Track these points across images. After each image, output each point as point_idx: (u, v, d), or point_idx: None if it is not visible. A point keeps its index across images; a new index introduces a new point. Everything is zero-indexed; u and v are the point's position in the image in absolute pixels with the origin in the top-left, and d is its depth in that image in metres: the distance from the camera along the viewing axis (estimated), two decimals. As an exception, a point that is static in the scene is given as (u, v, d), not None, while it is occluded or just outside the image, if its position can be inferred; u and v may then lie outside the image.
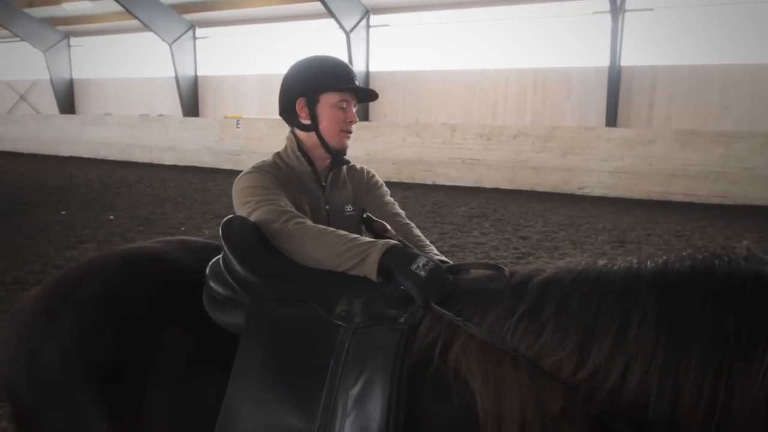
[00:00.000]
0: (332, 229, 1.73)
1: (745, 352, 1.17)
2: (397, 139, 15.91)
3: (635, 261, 1.36)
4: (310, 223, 1.76)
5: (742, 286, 1.23)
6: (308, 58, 2.04)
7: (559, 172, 14.02)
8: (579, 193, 13.70)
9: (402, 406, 1.36)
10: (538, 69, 15.28)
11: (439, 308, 1.42)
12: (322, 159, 2.05)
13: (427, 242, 2.02)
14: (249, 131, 17.76)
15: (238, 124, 18.46)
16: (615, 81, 13.97)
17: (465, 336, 1.36)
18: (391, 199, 2.17)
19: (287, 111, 2.04)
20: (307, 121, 2.00)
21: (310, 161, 2.03)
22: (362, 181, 2.16)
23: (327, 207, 2.04)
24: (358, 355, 1.43)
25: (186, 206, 11.16)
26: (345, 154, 2.08)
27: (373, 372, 1.39)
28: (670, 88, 13.82)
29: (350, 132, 2.01)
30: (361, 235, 1.94)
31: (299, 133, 2.04)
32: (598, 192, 13.51)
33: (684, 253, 1.34)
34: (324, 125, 1.98)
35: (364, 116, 17.21)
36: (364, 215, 2.04)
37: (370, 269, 1.54)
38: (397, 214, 2.10)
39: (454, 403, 1.33)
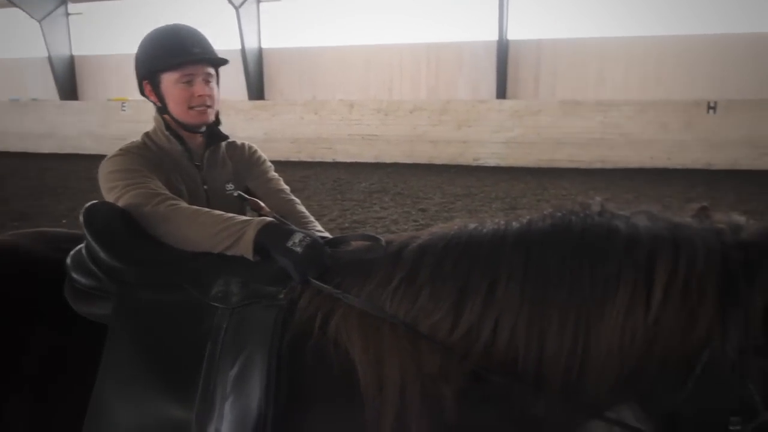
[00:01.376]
0: (207, 209, 1.66)
1: (600, 299, 1.26)
2: (294, 117, 15.66)
3: (502, 222, 1.42)
4: (183, 204, 1.68)
5: (594, 239, 1.31)
6: (147, 34, 1.90)
7: (454, 145, 14.44)
8: (474, 164, 14.21)
9: (283, 382, 1.35)
10: (431, 44, 15.53)
11: (317, 283, 1.41)
12: (192, 137, 1.95)
13: (311, 218, 1.99)
14: (136, 114, 16.71)
15: (123, 106, 17.34)
16: (503, 55, 14.51)
17: (345, 307, 1.37)
18: (276, 175, 2.11)
19: (143, 94, 1.93)
20: (159, 104, 1.90)
21: (181, 140, 1.92)
22: (243, 158, 2.08)
23: (205, 187, 1.95)
24: (236, 335, 1.40)
25: (68, 197, 10.38)
26: (216, 126, 1.99)
27: (251, 351, 1.36)
28: (553, 60, 14.56)
29: (206, 106, 1.89)
30: (246, 214, 1.88)
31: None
32: (492, 162, 14.07)
33: (545, 212, 1.41)
34: (172, 105, 1.87)
35: (260, 95, 16.76)
36: (235, 194, 1.97)
37: (245, 248, 1.50)
38: (282, 191, 2.06)
39: (334, 373, 1.34)
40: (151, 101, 1.92)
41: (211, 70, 1.91)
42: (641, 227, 1.34)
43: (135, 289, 1.51)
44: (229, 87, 16.58)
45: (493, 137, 14.21)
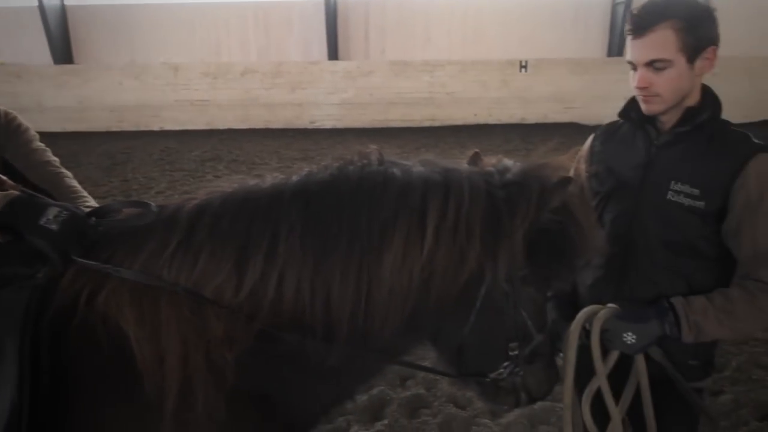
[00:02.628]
0: None
1: (378, 245, 1.30)
2: (112, 83, 14.26)
3: (283, 177, 1.40)
4: None
5: (371, 187, 1.34)
6: None
7: (290, 108, 14.21)
8: (311, 126, 14.13)
9: (44, 369, 1.22)
10: (259, 2, 14.94)
11: (82, 260, 1.28)
12: None
13: (83, 193, 1.81)
14: None
15: None
16: (332, 14, 14.42)
17: (116, 281, 1.26)
18: (41, 145, 1.89)
19: None
20: None
21: None
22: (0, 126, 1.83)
23: None
24: None
25: None
26: None
27: (1, 339, 1.21)
28: (381, 21, 14.79)
29: None
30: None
31: None
32: (328, 124, 14.09)
33: (324, 164, 1.42)
34: None
35: (68, 58, 14.98)
36: None
37: None
38: (48, 162, 1.85)
39: (106, 353, 1.24)
40: None
41: None
42: (415, 173, 1.39)
43: None
44: (28, 50, 14.48)
45: (328, 99, 14.20)
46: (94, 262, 1.27)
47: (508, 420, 3.26)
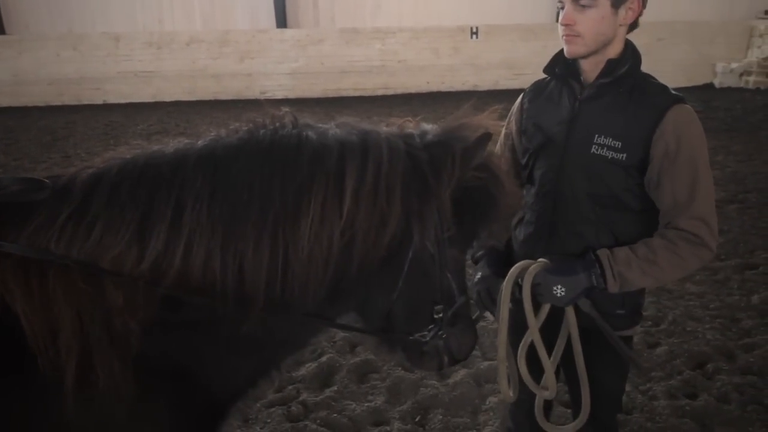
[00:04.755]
0: None
1: (293, 211, 1.26)
2: (48, 54, 13.57)
3: (188, 142, 1.34)
4: None
5: (285, 151, 1.30)
6: None
7: (239, 78, 13.85)
8: (262, 97, 13.79)
9: None
10: (199, -32, 14.38)
11: None
12: None
13: None
14: None
15: None
16: (279, -20, 14.00)
17: None
18: None
19: None
20: None
21: None
22: None
23: None
24: None
25: None
26: None
27: None
28: (328, -14, 14.46)
29: None
30: None
31: None
32: (279, 94, 13.79)
33: (233, 127, 1.36)
34: None
35: (-2, 29, 14.13)
36: None
37: None
38: None
39: None
40: None
41: None
42: (331, 136, 1.35)
43: None
44: (-48, 20, 13.40)
45: (278, 68, 13.89)
46: None
47: (455, 380, 3.32)
